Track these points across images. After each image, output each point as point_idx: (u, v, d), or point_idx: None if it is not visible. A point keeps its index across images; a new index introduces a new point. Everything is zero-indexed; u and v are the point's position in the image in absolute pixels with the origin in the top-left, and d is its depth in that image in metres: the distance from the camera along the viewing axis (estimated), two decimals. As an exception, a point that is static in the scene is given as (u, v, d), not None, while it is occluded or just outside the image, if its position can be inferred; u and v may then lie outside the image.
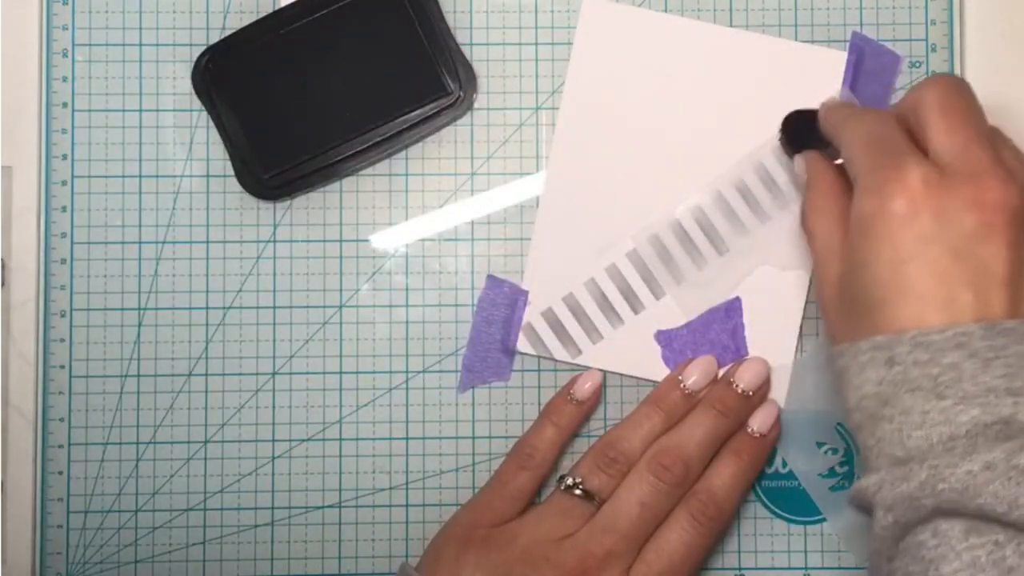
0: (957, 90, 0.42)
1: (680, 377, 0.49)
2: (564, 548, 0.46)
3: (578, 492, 0.47)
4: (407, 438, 0.51)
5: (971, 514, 0.36)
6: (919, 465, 0.37)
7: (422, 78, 0.50)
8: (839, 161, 0.45)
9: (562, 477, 0.48)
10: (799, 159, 0.47)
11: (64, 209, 0.51)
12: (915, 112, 0.42)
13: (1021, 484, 0.36)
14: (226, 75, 0.51)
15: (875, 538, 0.39)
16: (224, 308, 0.51)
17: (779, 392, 0.50)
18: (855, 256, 0.41)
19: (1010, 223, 0.39)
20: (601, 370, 0.50)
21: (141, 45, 0.52)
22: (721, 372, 0.50)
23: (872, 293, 0.40)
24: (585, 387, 0.50)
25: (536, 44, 0.52)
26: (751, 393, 0.49)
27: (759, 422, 0.49)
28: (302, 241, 0.51)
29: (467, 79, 0.51)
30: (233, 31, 0.51)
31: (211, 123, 0.51)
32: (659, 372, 0.51)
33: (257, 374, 0.51)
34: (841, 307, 0.42)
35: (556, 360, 0.51)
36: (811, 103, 0.51)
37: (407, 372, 0.51)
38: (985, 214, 0.39)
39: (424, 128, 0.51)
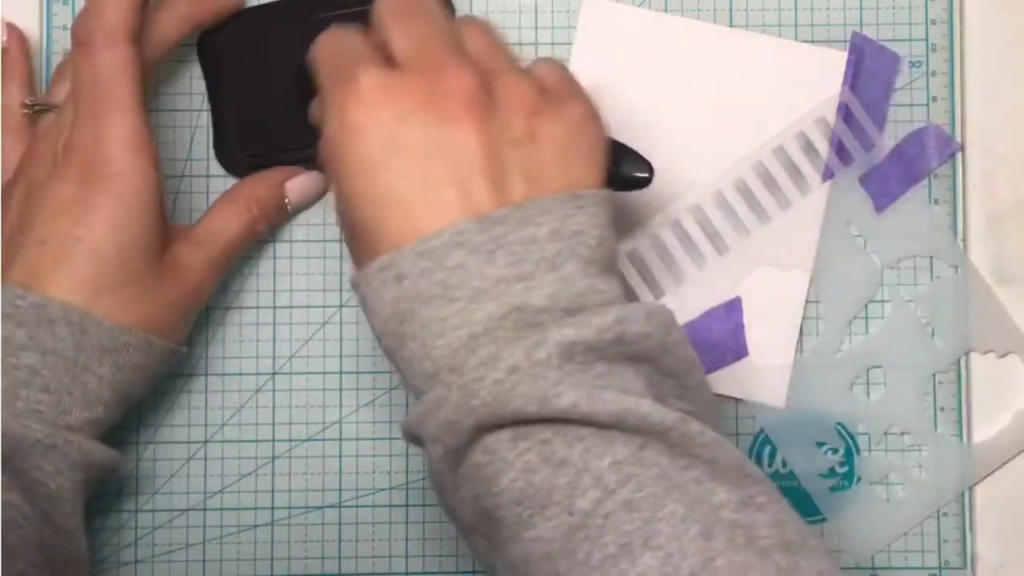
0: None
1: None
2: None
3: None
4: (407, 438, 0.51)
5: (511, 421, 0.36)
6: (448, 386, 0.36)
7: None
8: None
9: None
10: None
11: (64, 209, 0.51)
12: (377, 23, 0.41)
13: (546, 378, 0.35)
14: (229, 48, 0.50)
15: (435, 473, 0.38)
16: (224, 308, 0.51)
17: (779, 392, 0.50)
18: (338, 185, 0.39)
19: (469, 109, 0.38)
20: None
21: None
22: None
23: (362, 215, 0.38)
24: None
25: (536, 44, 0.52)
26: None
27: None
28: (302, 241, 0.51)
29: None
30: (245, 8, 0.51)
31: (211, 123, 0.51)
32: (659, 372, 0.50)
33: (257, 374, 0.51)
34: (348, 235, 0.41)
35: (556, 360, 0.51)
36: (811, 103, 0.51)
37: (407, 372, 0.51)
38: (442, 104, 0.38)
39: None
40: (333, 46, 0.41)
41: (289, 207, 0.50)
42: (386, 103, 0.38)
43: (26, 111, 0.47)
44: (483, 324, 0.37)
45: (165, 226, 0.45)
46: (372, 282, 0.38)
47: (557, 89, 0.41)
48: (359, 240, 0.40)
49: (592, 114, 0.41)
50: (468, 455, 0.37)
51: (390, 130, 0.38)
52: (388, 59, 0.40)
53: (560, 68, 0.42)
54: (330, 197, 0.51)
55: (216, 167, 0.51)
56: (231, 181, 0.51)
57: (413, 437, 0.39)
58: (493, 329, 0.37)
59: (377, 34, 0.41)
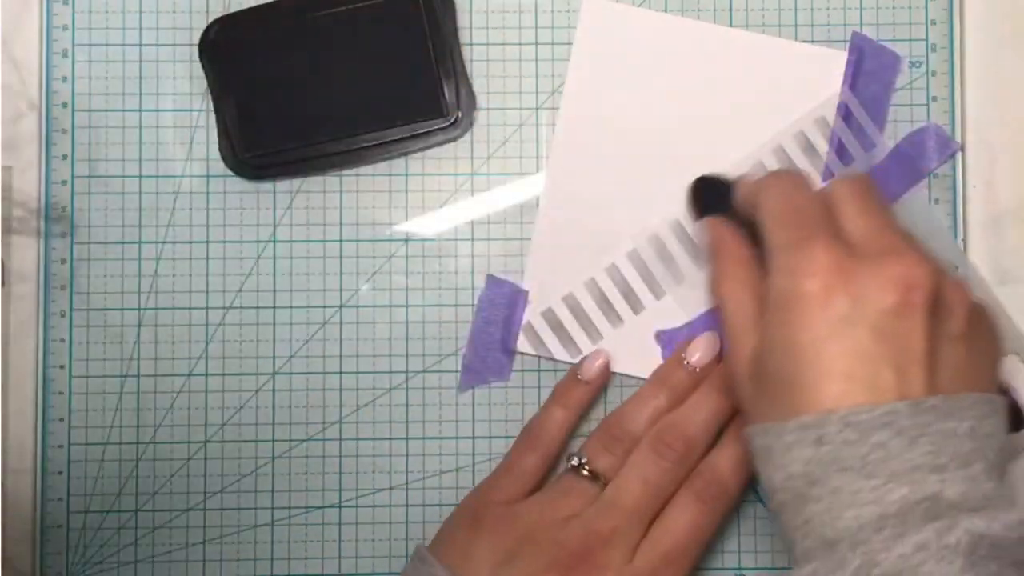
0: (869, 183, 0.43)
1: (684, 355, 0.49)
2: (570, 527, 0.46)
3: (584, 472, 0.47)
4: (407, 438, 0.51)
5: None
6: (851, 551, 0.37)
7: (422, 96, 0.50)
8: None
9: (569, 457, 0.48)
10: (702, 224, 0.47)
11: (64, 208, 0.51)
12: (834, 198, 0.42)
13: (953, 563, 0.36)
14: (231, 48, 0.50)
15: None
16: (224, 308, 0.51)
17: (779, 392, 0.50)
18: (773, 334, 0.40)
19: (925, 301, 0.39)
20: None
21: (141, 45, 0.52)
22: None
23: (792, 373, 0.39)
24: (593, 366, 0.50)
25: (536, 44, 0.52)
26: None
27: None
28: (302, 241, 0.51)
29: (467, 104, 0.51)
30: (247, 7, 0.51)
31: (211, 123, 0.51)
32: (659, 372, 0.51)
33: (257, 374, 0.51)
34: (757, 384, 0.41)
35: (556, 360, 0.51)
36: (811, 103, 0.51)
37: (407, 372, 0.51)
38: (902, 293, 0.39)
39: (414, 144, 0.51)
40: (789, 200, 0.42)
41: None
42: (844, 279, 0.39)
43: (571, 466, 0.48)
44: (896, 506, 0.37)
45: None
46: (786, 437, 0.39)
47: (980, 303, 0.42)
48: (770, 393, 0.40)
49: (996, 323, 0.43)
50: None
51: (845, 305, 0.39)
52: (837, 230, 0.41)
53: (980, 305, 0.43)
54: (330, 197, 0.52)
55: (216, 167, 0.51)
56: (231, 181, 0.51)
57: None
58: (904, 513, 0.37)
59: (827, 202, 0.42)
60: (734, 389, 0.43)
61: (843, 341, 0.39)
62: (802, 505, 0.39)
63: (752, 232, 0.44)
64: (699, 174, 0.49)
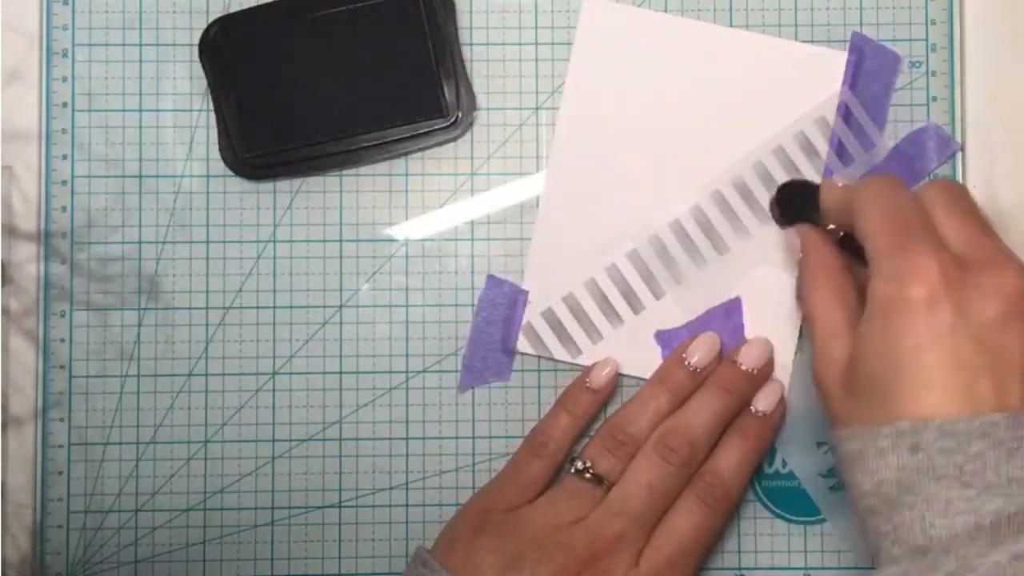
0: (964, 189, 0.43)
1: (684, 355, 0.49)
2: (575, 532, 0.46)
3: (588, 476, 0.47)
4: (407, 438, 0.51)
5: None
6: (945, 555, 0.37)
7: (422, 96, 0.50)
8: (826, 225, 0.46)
9: (572, 460, 0.48)
10: (794, 233, 0.47)
11: (64, 209, 0.51)
12: (929, 202, 0.42)
13: None
14: (231, 48, 0.51)
15: None
16: (224, 308, 0.51)
17: (779, 392, 0.50)
18: (872, 341, 0.40)
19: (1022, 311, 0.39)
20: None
21: (141, 45, 0.52)
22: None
23: (890, 379, 0.39)
24: (601, 375, 0.50)
25: (536, 44, 0.52)
26: (755, 372, 0.49)
27: (764, 402, 0.49)
28: (302, 241, 0.51)
29: (467, 104, 0.51)
30: (247, 7, 0.51)
31: (211, 123, 0.51)
32: (659, 372, 0.51)
33: (257, 374, 0.51)
34: (849, 390, 0.41)
35: (556, 360, 0.51)
36: (811, 103, 0.51)
37: (407, 372, 0.51)
38: (1005, 303, 0.39)
39: (414, 144, 0.51)
40: (891, 205, 0.42)
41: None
42: (951, 288, 0.39)
43: (574, 469, 0.48)
44: (990, 518, 0.37)
45: None
46: (880, 442, 0.39)
47: None
48: (864, 399, 0.40)
49: None
50: None
51: (950, 314, 0.39)
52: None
53: None
54: (330, 197, 0.51)
55: (216, 167, 0.51)
56: (231, 181, 0.51)
57: None
58: (998, 525, 0.37)
59: (925, 205, 0.42)
60: (821, 398, 0.43)
61: (944, 350, 0.39)
62: (893, 511, 0.38)
63: (840, 238, 0.45)
64: (784, 180, 0.49)
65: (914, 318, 0.39)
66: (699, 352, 0.49)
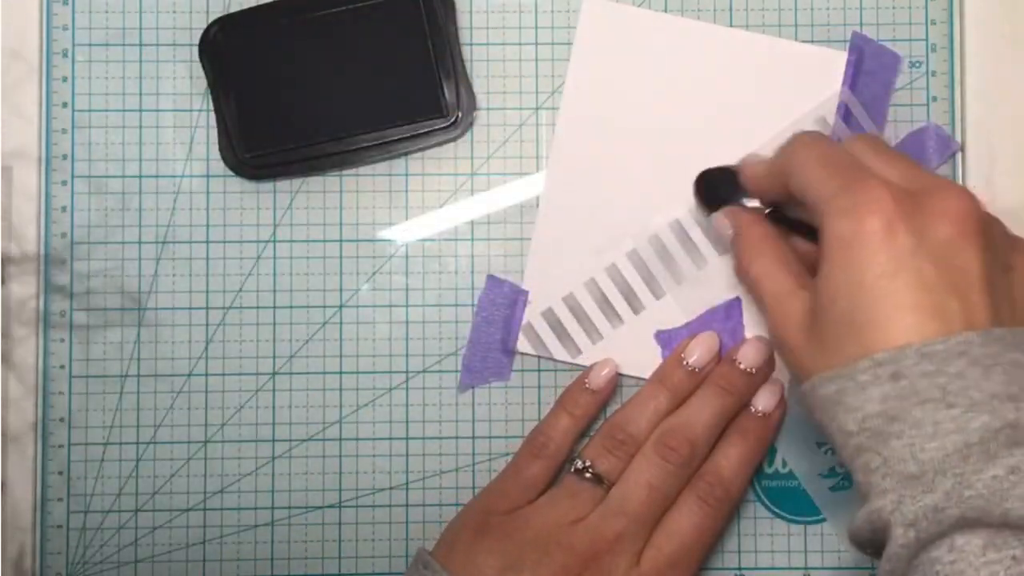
0: (882, 138, 0.45)
1: (683, 355, 0.49)
2: (575, 532, 0.46)
3: (588, 476, 0.47)
4: (407, 438, 0.51)
5: (995, 522, 0.36)
6: (941, 475, 0.37)
7: (422, 96, 0.50)
8: (751, 203, 0.47)
9: (572, 460, 0.48)
10: (720, 215, 0.47)
11: (64, 209, 0.51)
12: (859, 154, 0.43)
13: None
14: (231, 48, 0.51)
15: (889, 558, 0.38)
16: (224, 308, 0.51)
17: (779, 392, 0.50)
18: (834, 280, 0.40)
19: (977, 230, 0.40)
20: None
21: (141, 45, 0.52)
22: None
23: (858, 314, 0.40)
24: (601, 375, 0.50)
25: (536, 44, 0.52)
26: (754, 371, 0.49)
27: (763, 401, 0.49)
28: (302, 241, 0.51)
29: (467, 104, 0.51)
30: (247, 7, 0.51)
31: (211, 123, 0.51)
32: (659, 372, 0.51)
33: (257, 374, 0.51)
34: (815, 339, 0.41)
35: (556, 360, 0.51)
36: (811, 103, 0.51)
37: (407, 372, 0.51)
38: (956, 224, 0.40)
39: (414, 144, 0.51)
40: (826, 151, 0.43)
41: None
42: (903, 214, 0.40)
43: (574, 469, 0.48)
44: (978, 434, 0.37)
45: None
46: (859, 377, 0.39)
47: (1018, 237, 0.44)
48: (832, 343, 0.40)
49: None
50: (931, 548, 0.37)
51: (907, 239, 0.39)
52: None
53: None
54: (330, 197, 0.52)
55: (216, 167, 0.51)
56: (231, 181, 0.51)
57: (876, 523, 0.38)
58: (986, 441, 0.37)
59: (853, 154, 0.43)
60: (785, 355, 0.43)
61: (908, 274, 0.39)
62: (882, 444, 0.38)
63: (766, 215, 0.46)
64: (700, 170, 0.49)
65: (875, 248, 0.39)
66: (697, 352, 0.49)
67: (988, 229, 0.41)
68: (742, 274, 0.46)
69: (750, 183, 0.47)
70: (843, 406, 0.39)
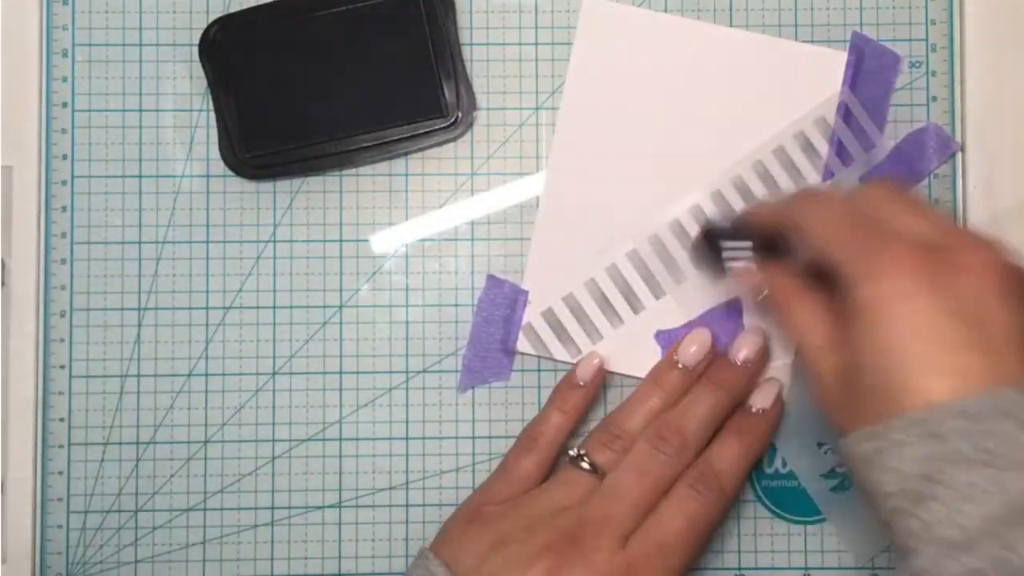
0: (898, 184, 0.43)
1: (675, 355, 0.49)
2: (564, 514, 0.46)
3: (584, 465, 0.47)
4: (407, 438, 0.51)
5: None
6: (986, 538, 0.36)
7: (422, 96, 0.50)
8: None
9: (568, 450, 0.48)
10: (746, 270, 0.47)
11: (64, 209, 0.51)
12: (873, 206, 0.43)
13: None
14: (231, 48, 0.50)
15: None
16: (224, 308, 0.51)
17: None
18: (862, 341, 0.40)
19: (1002, 284, 0.39)
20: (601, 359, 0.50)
21: (141, 45, 0.52)
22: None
23: (889, 374, 0.39)
24: (588, 368, 0.50)
25: (536, 44, 0.52)
26: (747, 364, 0.49)
27: (760, 399, 0.49)
28: (302, 241, 0.51)
29: (467, 104, 0.51)
30: (247, 7, 0.51)
31: (211, 123, 0.51)
32: (659, 372, 0.51)
33: (257, 374, 0.51)
34: (849, 397, 0.41)
35: (556, 360, 0.51)
36: (811, 103, 0.51)
37: (407, 372, 0.51)
38: (980, 278, 0.39)
39: (414, 144, 0.51)
40: (837, 212, 0.43)
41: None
42: (926, 273, 0.39)
43: (570, 458, 0.48)
44: (1021, 497, 0.36)
45: None
46: (895, 435, 0.38)
47: None
48: (866, 402, 0.40)
49: None
50: None
51: (931, 298, 0.39)
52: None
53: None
54: (330, 197, 0.51)
55: (216, 167, 0.51)
56: (231, 181, 0.51)
57: None
58: None
59: (867, 207, 0.43)
60: (826, 414, 0.43)
61: (933, 334, 0.39)
62: (920, 507, 0.38)
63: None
64: (701, 226, 0.49)
65: (898, 309, 0.39)
66: (688, 351, 0.49)
67: (1014, 280, 0.40)
68: (783, 329, 0.45)
69: (753, 231, 0.46)
70: (880, 466, 0.39)
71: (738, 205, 0.51)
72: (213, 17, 0.51)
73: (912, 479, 0.38)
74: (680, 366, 0.49)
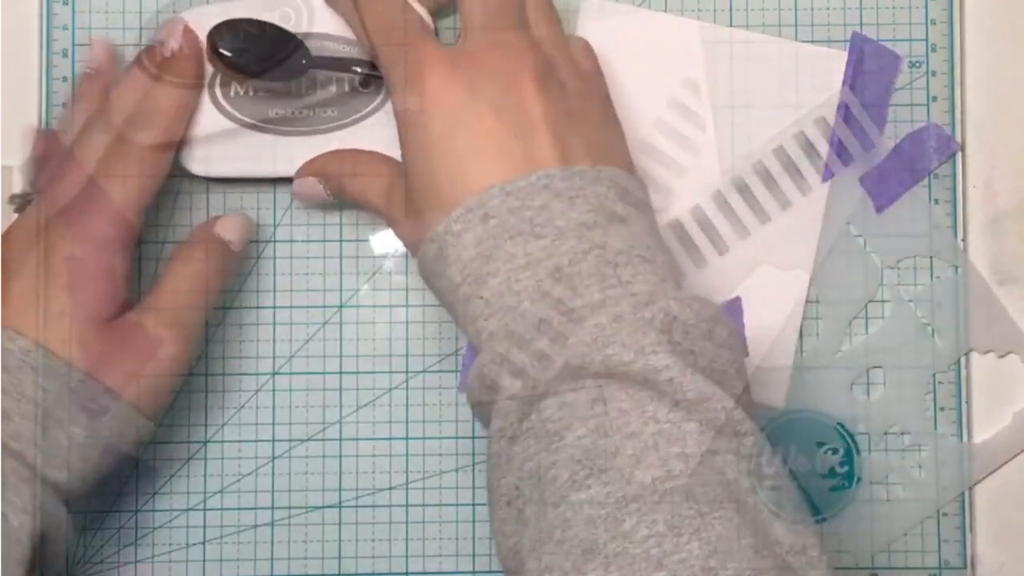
0: None
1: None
2: None
3: None
4: (407, 438, 0.51)
5: (596, 368, 0.37)
6: (540, 301, 0.38)
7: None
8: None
9: None
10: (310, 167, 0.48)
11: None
12: None
13: (647, 336, 0.37)
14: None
15: (500, 414, 0.39)
16: (224, 308, 0.51)
17: (779, 392, 0.50)
18: (409, 155, 0.42)
19: (533, 76, 0.41)
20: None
21: (141, 45, 0.52)
22: None
23: (436, 178, 0.41)
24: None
25: (536, 44, 0.52)
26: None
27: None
28: (302, 241, 0.51)
29: None
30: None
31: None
32: (659, 372, 0.50)
33: (257, 374, 0.51)
34: (415, 215, 0.42)
35: (556, 360, 0.51)
36: (811, 103, 0.51)
37: (407, 372, 0.51)
38: (509, 77, 0.41)
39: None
40: (383, 13, 0.44)
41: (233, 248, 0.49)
42: (457, 75, 0.41)
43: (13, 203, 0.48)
44: (568, 257, 0.38)
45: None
46: (455, 226, 0.40)
47: (591, 70, 0.46)
48: (429, 204, 0.41)
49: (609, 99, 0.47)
50: (540, 409, 0.37)
51: (463, 96, 0.41)
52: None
53: (591, 52, 0.48)
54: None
55: (216, 167, 0.51)
56: (231, 181, 0.51)
57: (484, 379, 0.39)
58: (577, 262, 0.38)
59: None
60: (409, 250, 0.45)
61: (471, 127, 0.40)
62: (480, 287, 0.40)
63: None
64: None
65: (432, 112, 0.41)
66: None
67: (547, 73, 0.42)
68: (352, 198, 0.47)
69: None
70: (446, 259, 0.41)
71: (738, 206, 0.51)
72: (213, 17, 0.51)
73: (474, 261, 0.40)
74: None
